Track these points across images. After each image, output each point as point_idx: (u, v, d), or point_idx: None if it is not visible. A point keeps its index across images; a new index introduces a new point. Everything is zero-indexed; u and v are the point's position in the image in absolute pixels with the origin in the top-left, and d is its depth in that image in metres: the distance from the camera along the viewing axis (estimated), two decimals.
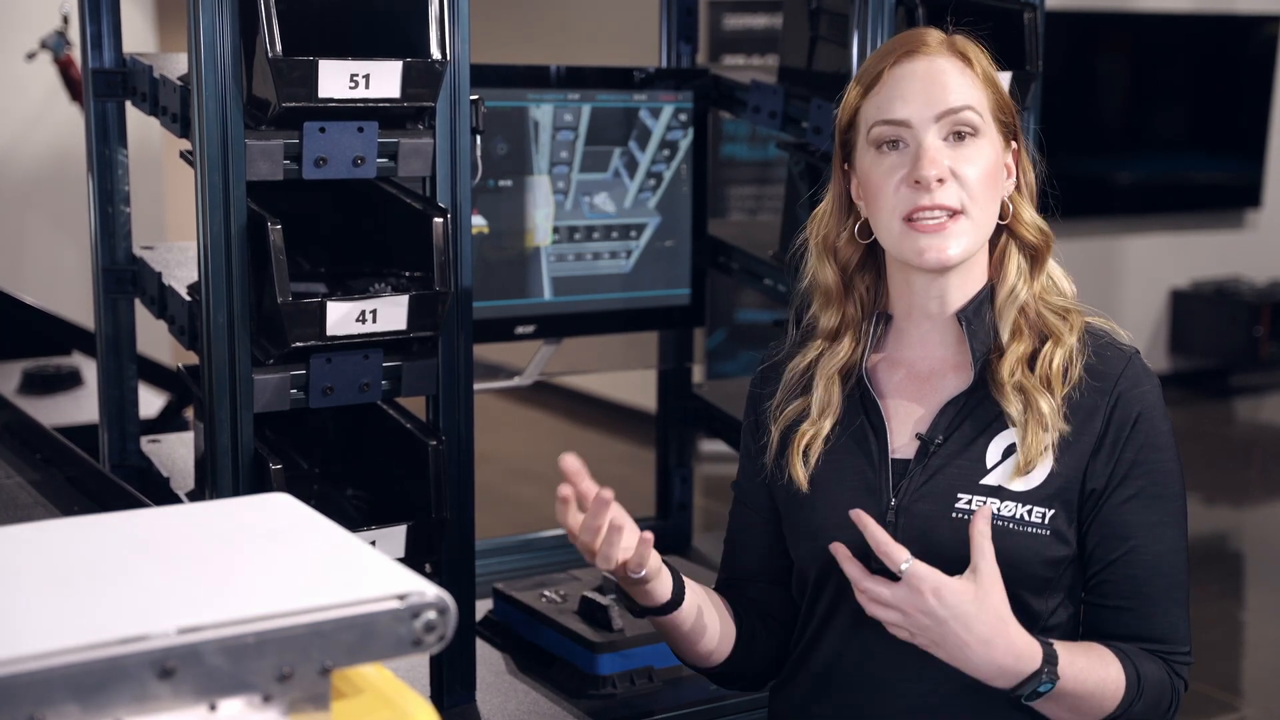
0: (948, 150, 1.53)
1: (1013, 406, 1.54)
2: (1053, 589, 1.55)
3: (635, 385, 6.28)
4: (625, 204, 2.45)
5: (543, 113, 2.35)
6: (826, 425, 1.62)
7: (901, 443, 1.60)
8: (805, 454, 1.62)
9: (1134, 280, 7.34)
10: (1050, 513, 1.53)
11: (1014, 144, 1.62)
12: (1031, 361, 1.57)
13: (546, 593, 2.13)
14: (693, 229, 2.51)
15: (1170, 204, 7.44)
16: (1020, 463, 1.53)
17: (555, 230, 2.39)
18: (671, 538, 2.66)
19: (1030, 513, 1.53)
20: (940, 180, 1.52)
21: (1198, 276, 7.48)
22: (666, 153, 2.47)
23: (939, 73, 1.55)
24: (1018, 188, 1.63)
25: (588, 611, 2.04)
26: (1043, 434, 1.52)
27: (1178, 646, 1.57)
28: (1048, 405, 1.53)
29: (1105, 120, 7.30)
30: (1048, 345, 1.57)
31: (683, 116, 2.47)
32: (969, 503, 1.53)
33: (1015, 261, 1.60)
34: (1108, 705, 1.51)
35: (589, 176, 2.41)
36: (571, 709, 1.94)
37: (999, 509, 1.52)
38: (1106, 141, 7.28)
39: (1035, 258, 1.61)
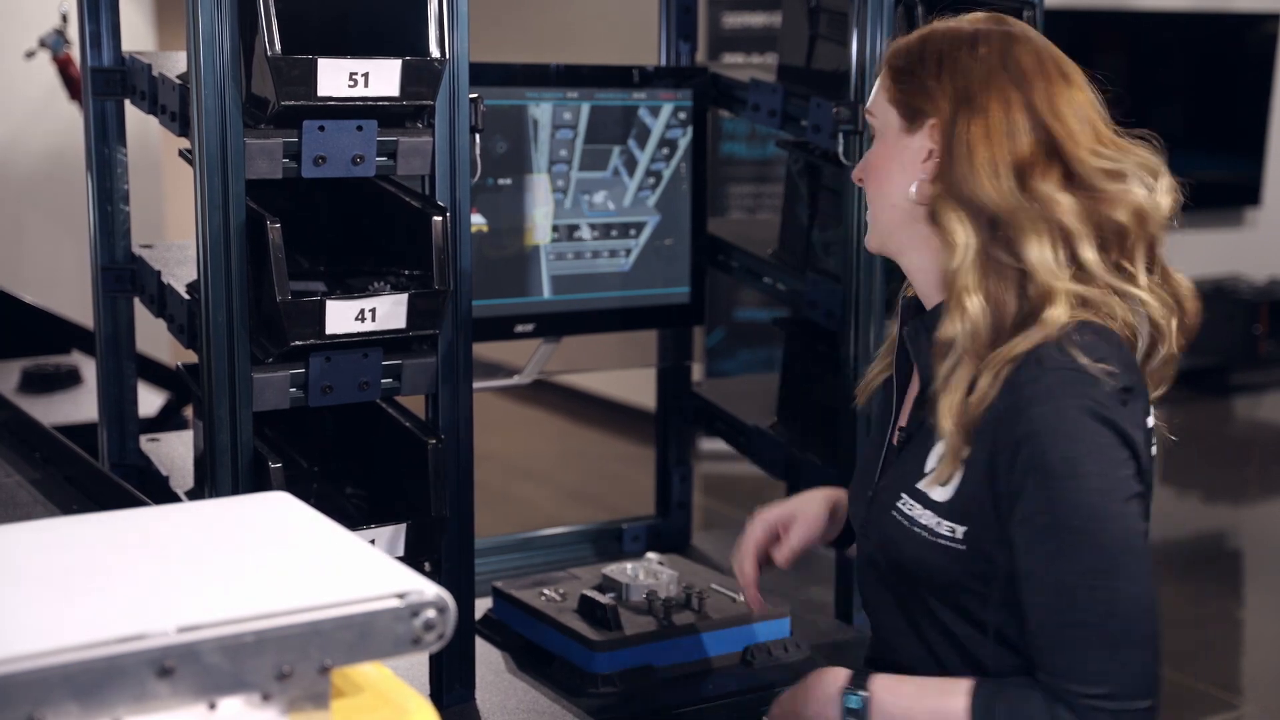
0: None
1: (933, 415, 1.52)
2: (995, 603, 1.50)
3: (634, 384, 6.28)
4: (624, 202, 2.45)
5: (542, 111, 2.35)
6: (879, 377, 1.75)
7: (901, 425, 1.65)
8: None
9: None
10: (964, 529, 1.50)
11: (932, 121, 1.55)
12: None
13: (546, 591, 2.13)
14: (692, 227, 2.51)
15: None
16: (936, 473, 1.52)
17: (554, 229, 2.39)
18: (670, 536, 2.66)
19: (939, 525, 1.52)
20: (860, 180, 1.66)
21: (1197, 274, 7.48)
22: (666, 151, 2.47)
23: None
24: (941, 170, 1.53)
25: (587, 610, 2.05)
26: (950, 454, 1.49)
27: (1081, 686, 1.41)
28: (948, 420, 1.48)
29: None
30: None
31: (682, 115, 2.47)
32: (905, 504, 1.56)
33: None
34: None
35: (588, 175, 2.41)
36: (570, 707, 1.94)
37: (917, 515, 1.54)
38: None
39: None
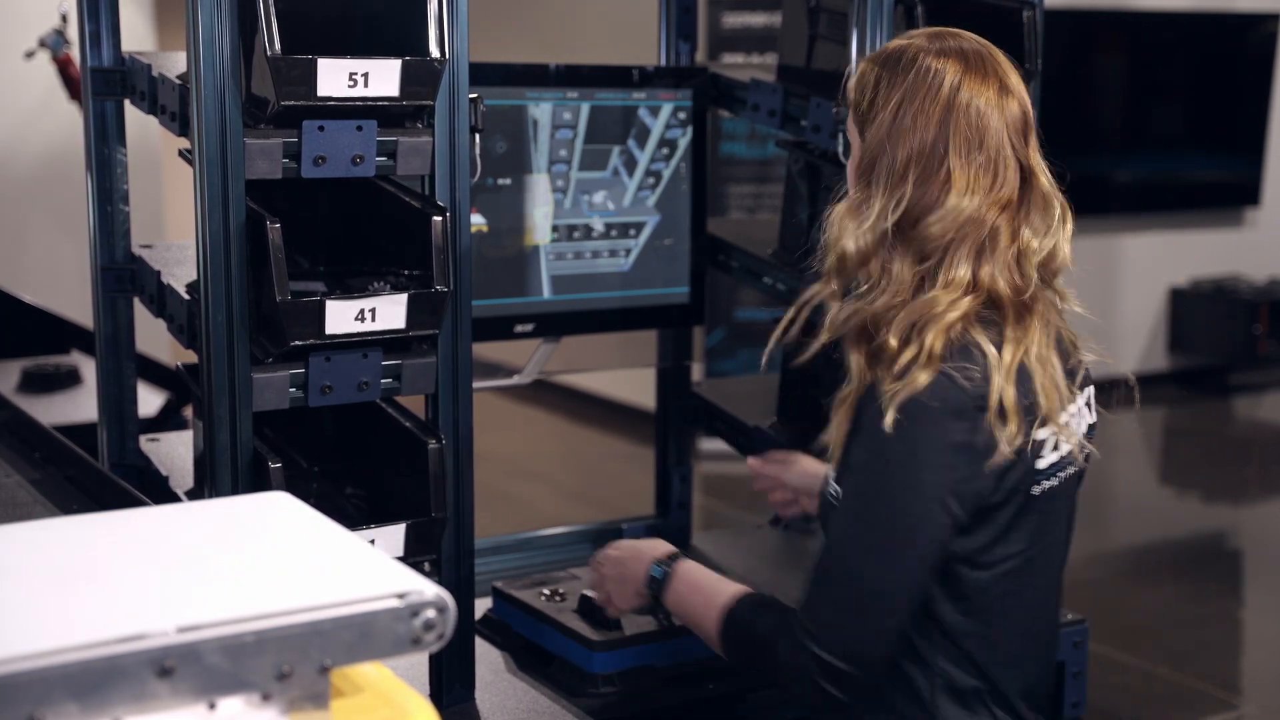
0: None
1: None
2: None
3: (634, 384, 6.27)
4: (624, 202, 2.45)
5: (542, 111, 2.35)
6: None
7: None
8: None
9: (1133, 279, 7.34)
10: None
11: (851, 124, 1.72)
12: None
13: (545, 591, 2.13)
14: (692, 227, 2.51)
15: (1169, 202, 7.43)
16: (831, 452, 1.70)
17: (554, 229, 2.39)
18: (670, 536, 2.65)
19: (838, 495, 1.66)
20: None
21: (1197, 275, 7.48)
22: (665, 151, 2.47)
23: None
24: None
25: (587, 610, 2.04)
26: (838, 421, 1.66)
27: (810, 625, 1.60)
28: (837, 410, 1.65)
29: (1104, 119, 7.30)
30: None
31: (682, 115, 2.47)
32: (828, 486, 1.71)
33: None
34: (710, 629, 1.73)
35: (588, 175, 2.41)
36: (570, 707, 1.94)
37: (830, 490, 1.69)
38: (1105, 140, 7.27)
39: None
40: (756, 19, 6.07)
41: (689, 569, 1.81)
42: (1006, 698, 1.67)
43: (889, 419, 1.54)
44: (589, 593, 2.05)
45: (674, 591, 1.81)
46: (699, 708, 2.03)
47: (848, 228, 1.63)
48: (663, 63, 2.62)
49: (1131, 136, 7.37)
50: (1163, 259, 7.40)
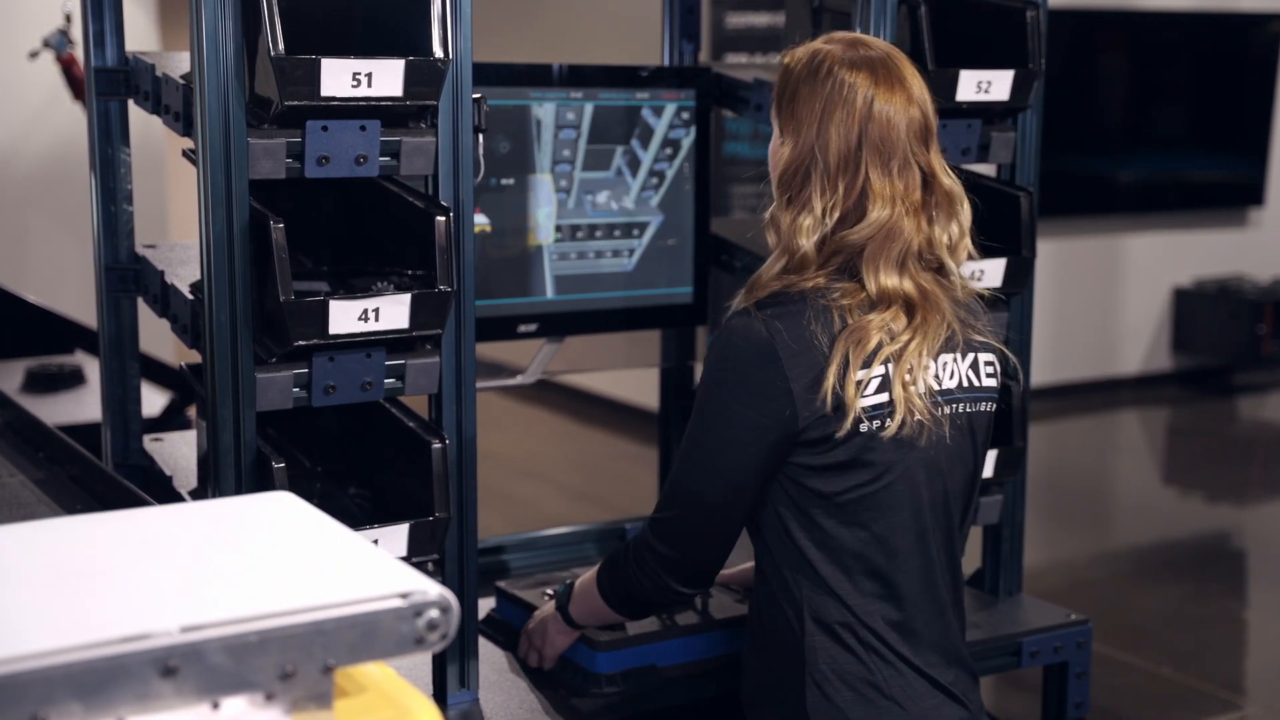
0: None
1: None
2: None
3: (638, 384, 6.28)
4: (628, 202, 2.45)
5: (545, 111, 2.35)
6: None
7: None
8: None
9: (1136, 279, 7.34)
10: None
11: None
12: None
13: (549, 591, 2.12)
14: (695, 227, 2.51)
15: (1172, 202, 7.43)
16: None
17: (558, 229, 2.39)
18: None
19: None
20: None
21: (1200, 275, 7.47)
22: (669, 151, 2.47)
23: None
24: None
25: None
26: None
27: (654, 514, 1.84)
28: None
29: (1107, 118, 7.29)
30: None
31: (685, 115, 2.47)
32: None
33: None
34: (600, 603, 1.92)
35: (591, 175, 2.41)
36: (574, 707, 1.94)
37: None
38: (1108, 140, 7.27)
39: None
40: (760, 19, 6.07)
41: (579, 580, 1.98)
42: (876, 633, 1.76)
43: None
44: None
45: (573, 601, 1.97)
46: (703, 708, 2.03)
47: (802, 227, 1.75)
48: (666, 63, 2.62)
49: (1135, 136, 7.37)
50: (1166, 259, 7.40)
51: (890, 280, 1.73)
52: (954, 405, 1.78)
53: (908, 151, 1.75)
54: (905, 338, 1.73)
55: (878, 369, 1.71)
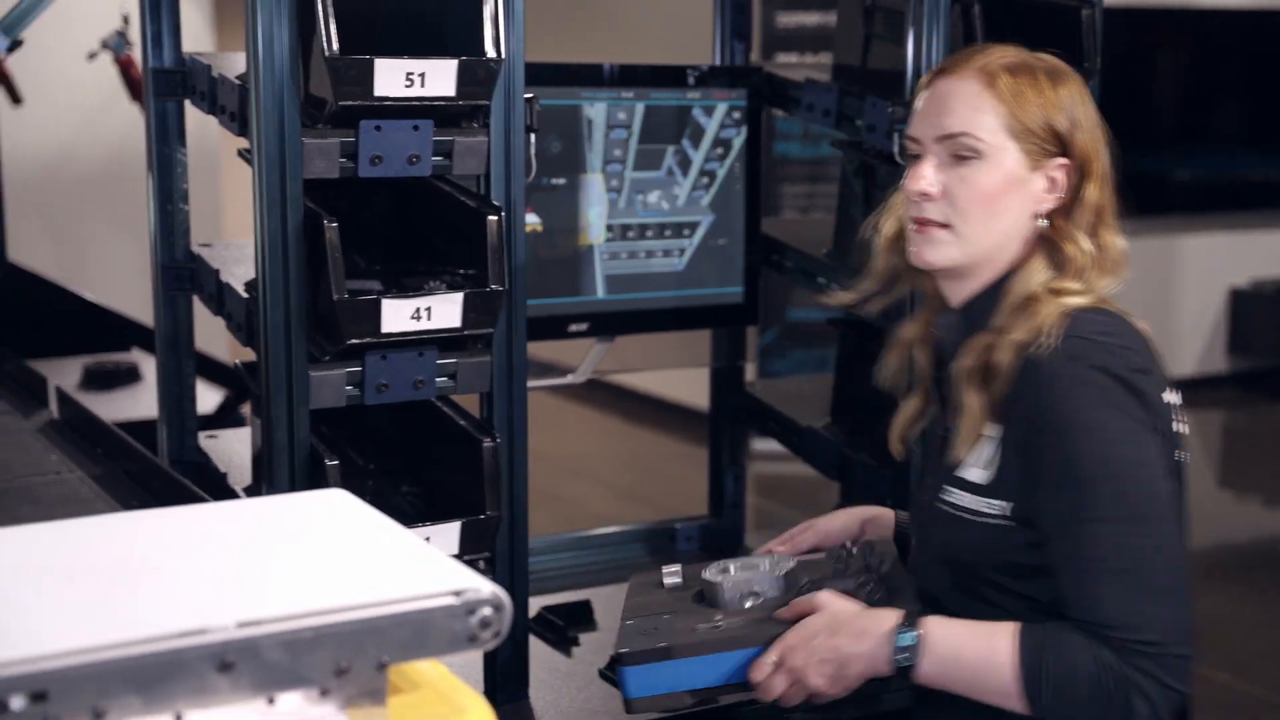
0: (948, 169, 1.62)
1: (956, 395, 1.63)
2: (1045, 573, 1.56)
3: (688, 383, 6.26)
4: (678, 202, 2.45)
5: (596, 111, 2.35)
6: (915, 424, 1.80)
7: (947, 425, 1.71)
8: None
9: (1192, 279, 7.25)
10: (1011, 505, 1.57)
11: (1064, 160, 1.62)
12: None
13: (699, 626, 1.87)
14: (746, 227, 2.50)
15: (1229, 202, 7.34)
16: (955, 448, 1.62)
17: (609, 228, 2.39)
18: (723, 536, 2.65)
19: (986, 505, 1.59)
20: (924, 194, 1.63)
21: (1258, 275, 7.37)
22: (720, 151, 2.46)
23: (948, 96, 1.63)
24: (1066, 204, 1.63)
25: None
26: (969, 427, 1.60)
27: (1123, 631, 1.46)
28: (973, 399, 1.59)
29: (1163, 117, 7.22)
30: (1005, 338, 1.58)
31: (736, 114, 2.47)
32: (946, 493, 1.64)
33: (1039, 263, 1.62)
34: (1003, 676, 1.50)
35: (642, 175, 2.41)
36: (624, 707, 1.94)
37: (958, 499, 1.62)
38: (1164, 139, 7.19)
39: (1067, 266, 1.62)
40: (811, 18, 6.05)
41: (938, 623, 1.57)
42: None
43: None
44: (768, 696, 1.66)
45: (935, 657, 1.54)
46: (752, 708, 2.02)
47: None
48: (717, 62, 2.62)
49: (1191, 135, 7.28)
50: (1223, 259, 7.31)
51: None
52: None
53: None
54: None
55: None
